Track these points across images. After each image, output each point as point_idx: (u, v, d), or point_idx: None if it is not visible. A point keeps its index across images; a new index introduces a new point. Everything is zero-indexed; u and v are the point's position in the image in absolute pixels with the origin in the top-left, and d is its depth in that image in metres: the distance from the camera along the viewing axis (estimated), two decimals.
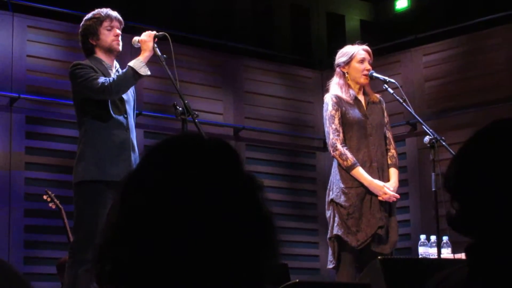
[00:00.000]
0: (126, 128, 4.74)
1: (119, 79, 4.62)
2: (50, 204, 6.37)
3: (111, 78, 4.61)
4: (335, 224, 5.01)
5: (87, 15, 4.86)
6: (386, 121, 5.30)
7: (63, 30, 7.36)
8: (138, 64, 4.65)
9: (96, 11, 4.83)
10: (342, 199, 5.01)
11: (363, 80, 5.18)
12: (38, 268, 6.84)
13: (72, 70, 4.71)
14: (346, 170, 5.03)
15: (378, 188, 5.01)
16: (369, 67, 5.19)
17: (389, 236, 5.06)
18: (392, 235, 5.07)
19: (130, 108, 4.84)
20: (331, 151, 5.09)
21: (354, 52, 5.19)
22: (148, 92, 7.77)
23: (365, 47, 5.25)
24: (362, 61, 5.18)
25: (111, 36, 4.79)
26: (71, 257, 4.58)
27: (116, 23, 4.83)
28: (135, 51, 4.77)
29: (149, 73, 4.68)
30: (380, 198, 5.01)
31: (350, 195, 5.01)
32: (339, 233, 4.97)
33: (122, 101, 4.77)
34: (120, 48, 4.83)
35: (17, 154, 6.92)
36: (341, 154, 5.04)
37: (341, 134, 5.07)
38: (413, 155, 8.33)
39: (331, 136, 5.09)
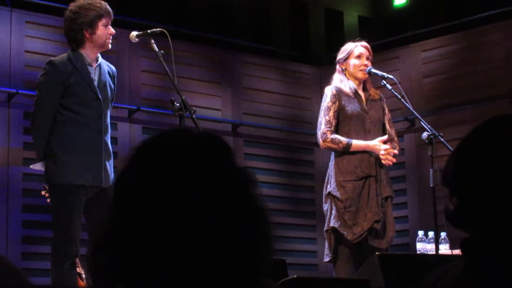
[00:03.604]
0: (99, 131, 4.68)
1: (35, 133, 4.72)
2: (48, 200, 6.35)
3: (43, 124, 4.67)
4: (332, 217, 5.02)
5: (82, 2, 4.78)
6: (388, 118, 5.31)
7: (62, 26, 7.33)
8: (40, 165, 4.75)
9: (95, 2, 4.78)
10: (339, 193, 5.02)
11: (360, 75, 5.20)
12: (36, 263, 6.82)
13: (39, 76, 4.85)
14: (344, 152, 5.03)
15: (375, 146, 5.02)
16: (366, 62, 5.21)
17: (386, 231, 5.07)
18: (389, 230, 5.08)
19: (106, 107, 4.77)
20: (321, 142, 5.08)
21: (352, 49, 5.23)
22: (146, 87, 7.76)
23: (364, 43, 5.28)
24: (359, 56, 5.20)
25: (107, 33, 4.76)
26: (55, 255, 4.57)
27: (110, 21, 4.80)
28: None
29: (35, 168, 4.81)
30: (381, 156, 5.01)
31: (347, 189, 5.02)
32: (336, 226, 4.98)
33: (99, 101, 4.71)
34: (110, 46, 4.85)
35: (15, 150, 6.91)
36: (332, 140, 5.04)
37: (332, 127, 5.08)
38: (411, 151, 8.32)
39: (323, 126, 5.09)
